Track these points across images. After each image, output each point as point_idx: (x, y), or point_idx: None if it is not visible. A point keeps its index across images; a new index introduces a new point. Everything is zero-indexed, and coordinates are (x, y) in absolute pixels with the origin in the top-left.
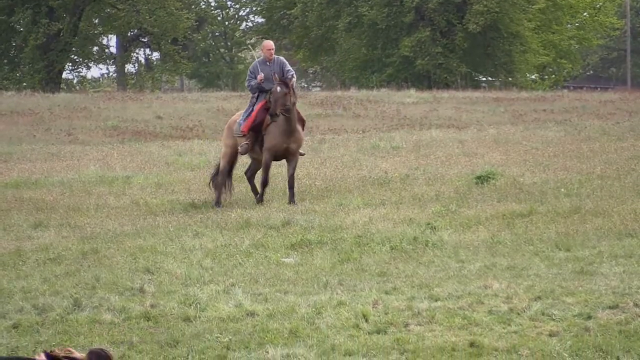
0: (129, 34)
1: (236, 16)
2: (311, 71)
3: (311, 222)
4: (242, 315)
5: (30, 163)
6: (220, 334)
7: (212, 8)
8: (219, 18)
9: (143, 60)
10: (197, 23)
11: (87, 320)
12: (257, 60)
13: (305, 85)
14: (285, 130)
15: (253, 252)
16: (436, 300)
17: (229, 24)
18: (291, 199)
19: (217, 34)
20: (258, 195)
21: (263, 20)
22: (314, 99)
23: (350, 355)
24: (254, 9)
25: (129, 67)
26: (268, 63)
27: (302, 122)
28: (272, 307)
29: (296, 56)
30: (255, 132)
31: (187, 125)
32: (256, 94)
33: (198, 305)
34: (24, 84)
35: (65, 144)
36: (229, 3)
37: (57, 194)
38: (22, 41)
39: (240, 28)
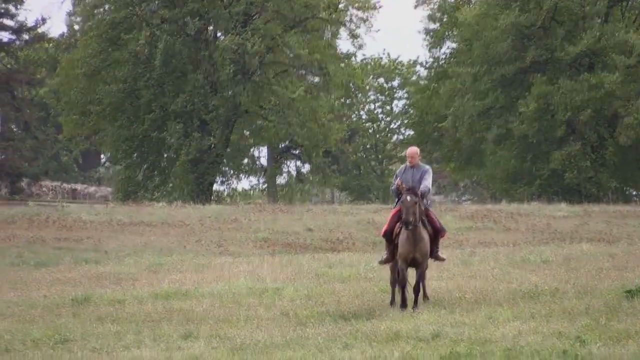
0: (279, 146)
1: (387, 129)
2: (462, 184)
3: (461, 335)
4: None
5: (180, 274)
6: None
7: (363, 121)
8: (370, 131)
9: (293, 172)
10: (349, 135)
11: None
12: (403, 165)
13: (456, 199)
14: (410, 239)
15: None
16: None
17: (379, 136)
18: (414, 304)
19: (368, 146)
20: (401, 302)
21: (413, 133)
22: (464, 212)
23: None
24: (405, 121)
25: (279, 179)
26: (412, 169)
27: (436, 231)
28: None
29: (446, 169)
30: (389, 240)
31: (337, 238)
32: (397, 200)
33: None
34: (175, 195)
35: (215, 255)
36: (380, 116)
37: (207, 305)
38: (173, 154)
39: (391, 141)
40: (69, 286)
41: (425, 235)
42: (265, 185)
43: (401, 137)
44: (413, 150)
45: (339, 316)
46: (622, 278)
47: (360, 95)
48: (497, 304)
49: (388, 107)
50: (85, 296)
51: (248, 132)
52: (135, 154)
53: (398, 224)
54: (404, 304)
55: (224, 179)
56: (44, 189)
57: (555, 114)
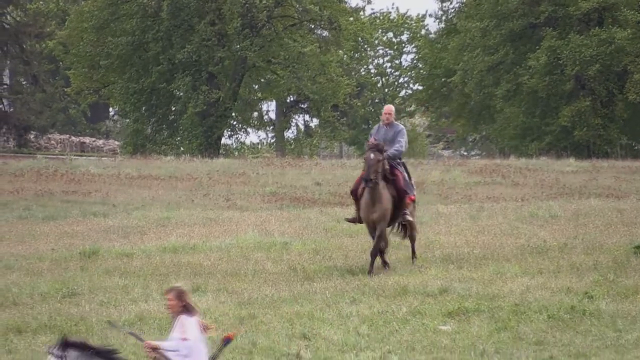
0: (288, 100)
1: (396, 83)
2: (470, 139)
3: (468, 290)
4: None
5: (188, 228)
6: None
7: (372, 75)
8: (378, 85)
9: (302, 126)
10: (358, 90)
11: None
12: (377, 124)
13: (465, 153)
14: (367, 200)
15: (410, 319)
16: None
17: (388, 91)
18: (370, 268)
19: (376, 100)
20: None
21: (422, 87)
22: (473, 166)
23: None
24: (414, 76)
25: (288, 133)
26: (385, 127)
27: (400, 193)
28: None
29: (455, 124)
30: (355, 199)
31: (345, 192)
32: None
33: None
34: (182, 149)
35: (223, 209)
36: (388, 70)
37: (215, 259)
38: (181, 107)
39: (400, 95)
40: (76, 239)
41: (385, 196)
42: (274, 139)
43: (410, 91)
44: (389, 108)
45: (346, 271)
46: (630, 234)
47: (368, 49)
48: (505, 260)
49: (397, 62)
50: (93, 249)
51: (257, 86)
52: (144, 108)
53: (362, 184)
54: (384, 265)
55: (232, 133)
56: (52, 142)
57: (565, 68)
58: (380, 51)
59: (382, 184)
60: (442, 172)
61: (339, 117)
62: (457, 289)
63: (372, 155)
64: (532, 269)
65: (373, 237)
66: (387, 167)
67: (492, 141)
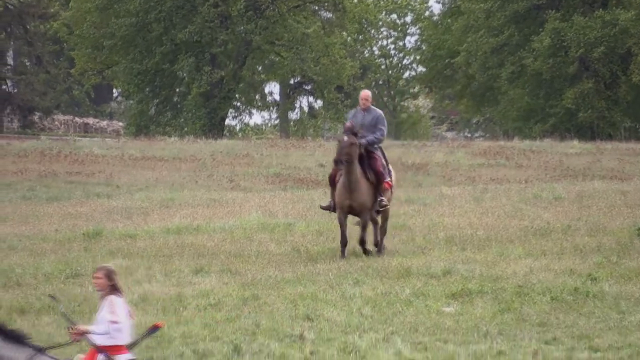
0: (291, 82)
1: (399, 65)
2: (474, 121)
3: (472, 272)
4: None
5: (192, 209)
6: None
7: (376, 56)
8: (382, 67)
9: (306, 108)
10: (361, 71)
11: None
12: (354, 109)
13: (468, 135)
14: (346, 186)
15: (413, 300)
16: (596, 352)
17: (392, 72)
18: (365, 252)
19: (380, 82)
20: (342, 251)
21: (426, 69)
22: (477, 148)
23: None
24: (417, 57)
25: (292, 115)
26: (363, 113)
27: (378, 177)
28: (431, 356)
29: (459, 106)
30: (332, 185)
31: None
32: None
33: (357, 353)
34: (186, 130)
35: (227, 190)
36: (392, 52)
37: (219, 240)
38: (185, 88)
39: (404, 77)
40: (80, 220)
41: (363, 184)
42: (278, 120)
43: (413, 73)
44: (366, 93)
45: (350, 252)
46: (634, 216)
47: (372, 31)
48: (509, 241)
49: (400, 43)
50: (97, 230)
51: (260, 68)
52: (147, 88)
53: (333, 165)
54: (342, 255)
55: (236, 114)
56: (56, 123)
57: (569, 50)
58: (384, 33)
59: (359, 171)
60: (445, 154)
61: (342, 99)
62: (460, 270)
63: (345, 138)
64: (536, 251)
65: (341, 223)
66: (362, 151)
67: (496, 123)
